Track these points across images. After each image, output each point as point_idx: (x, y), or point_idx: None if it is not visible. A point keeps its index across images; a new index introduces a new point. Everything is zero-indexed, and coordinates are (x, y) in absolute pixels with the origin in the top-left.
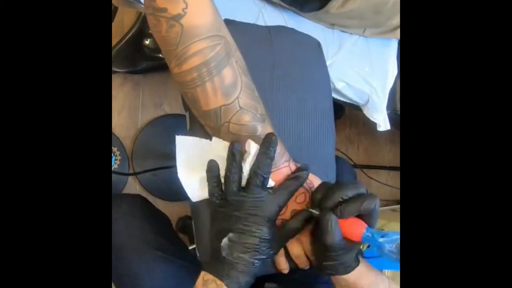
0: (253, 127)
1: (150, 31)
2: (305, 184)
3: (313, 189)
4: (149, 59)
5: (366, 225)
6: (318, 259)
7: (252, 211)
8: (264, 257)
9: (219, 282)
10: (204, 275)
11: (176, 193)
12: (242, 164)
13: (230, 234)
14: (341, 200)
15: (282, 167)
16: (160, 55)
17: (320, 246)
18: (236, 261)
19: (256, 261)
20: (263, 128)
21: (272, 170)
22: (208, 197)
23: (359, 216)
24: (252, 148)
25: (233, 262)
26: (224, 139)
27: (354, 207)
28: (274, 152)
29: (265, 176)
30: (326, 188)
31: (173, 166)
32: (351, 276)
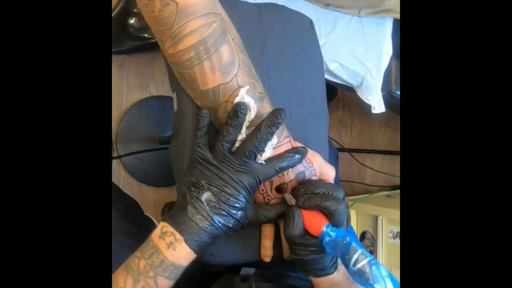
0: None
1: (135, 10)
2: (306, 172)
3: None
4: (134, 38)
5: (327, 223)
6: (289, 250)
7: (235, 176)
8: (231, 224)
9: (178, 236)
10: (163, 226)
11: (162, 178)
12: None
13: (206, 193)
14: (310, 193)
15: (283, 143)
16: (146, 35)
17: (285, 237)
18: (198, 217)
19: (222, 225)
20: (262, 107)
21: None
22: None
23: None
24: (252, 110)
25: (195, 217)
26: (221, 119)
27: (315, 200)
28: (277, 128)
29: (259, 148)
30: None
31: (159, 149)
32: (322, 282)
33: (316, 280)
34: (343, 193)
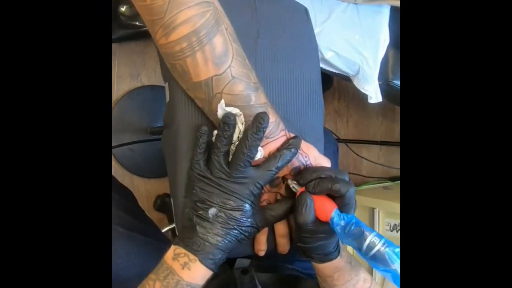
0: (247, 96)
1: None
2: (302, 167)
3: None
4: (125, 27)
5: (336, 207)
6: (295, 239)
7: (235, 188)
8: (245, 235)
9: (192, 257)
10: (175, 249)
11: (155, 169)
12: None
13: (212, 209)
14: (318, 178)
15: (280, 137)
16: (137, 23)
17: (296, 225)
18: (210, 235)
19: (234, 238)
20: (257, 97)
21: (269, 139)
22: None
23: (333, 200)
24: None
25: (207, 236)
26: (216, 111)
27: (325, 184)
28: (264, 133)
29: (251, 156)
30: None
31: (151, 140)
32: (326, 268)
33: (320, 266)
34: (348, 175)
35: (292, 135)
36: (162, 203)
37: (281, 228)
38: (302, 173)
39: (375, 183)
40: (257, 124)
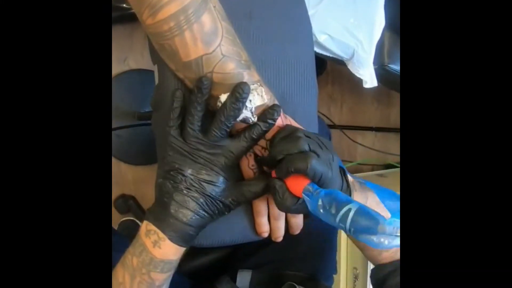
0: (238, 74)
1: None
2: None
3: None
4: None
5: (307, 182)
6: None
7: (209, 158)
8: (219, 209)
9: (161, 235)
10: (147, 224)
11: (142, 156)
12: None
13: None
14: (282, 157)
15: None
16: (125, 5)
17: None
18: (181, 211)
19: (206, 213)
20: (250, 75)
21: None
22: None
23: None
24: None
25: (178, 211)
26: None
27: (285, 167)
28: (243, 103)
29: (228, 125)
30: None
31: (139, 125)
32: None
33: None
34: (302, 134)
35: (288, 117)
36: (125, 205)
37: (259, 206)
38: (267, 156)
39: (369, 171)
40: (236, 94)
